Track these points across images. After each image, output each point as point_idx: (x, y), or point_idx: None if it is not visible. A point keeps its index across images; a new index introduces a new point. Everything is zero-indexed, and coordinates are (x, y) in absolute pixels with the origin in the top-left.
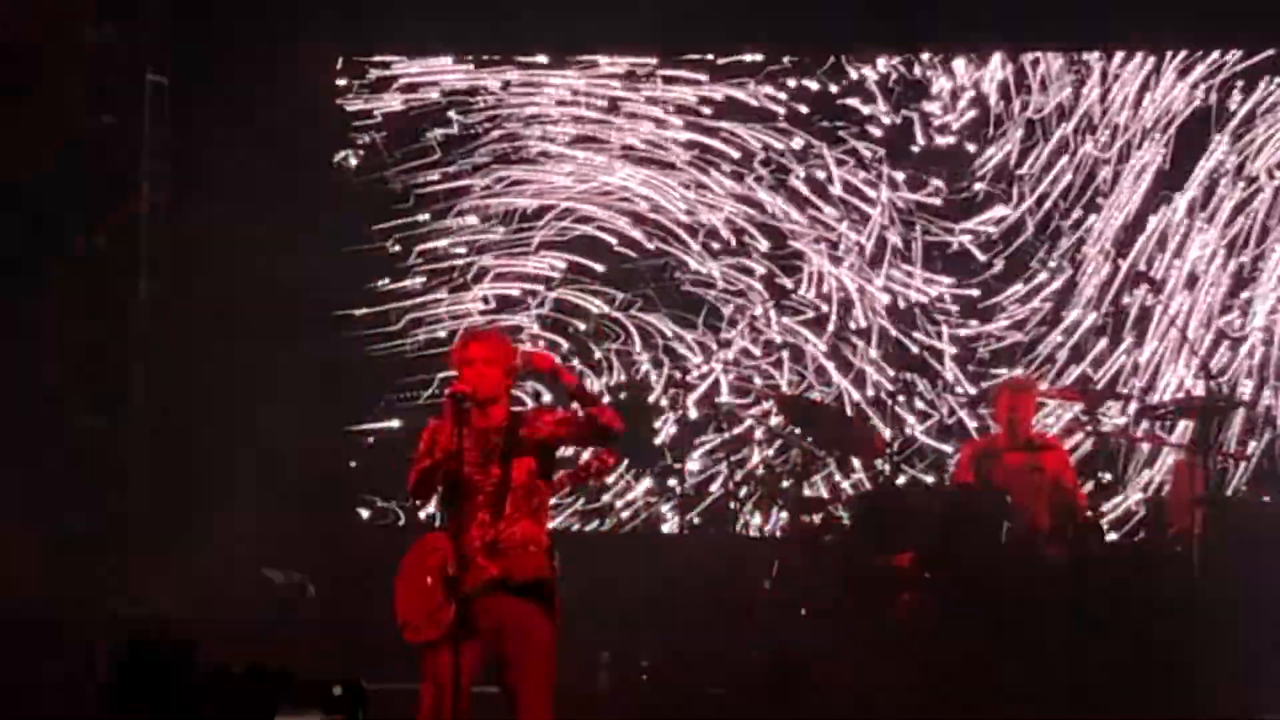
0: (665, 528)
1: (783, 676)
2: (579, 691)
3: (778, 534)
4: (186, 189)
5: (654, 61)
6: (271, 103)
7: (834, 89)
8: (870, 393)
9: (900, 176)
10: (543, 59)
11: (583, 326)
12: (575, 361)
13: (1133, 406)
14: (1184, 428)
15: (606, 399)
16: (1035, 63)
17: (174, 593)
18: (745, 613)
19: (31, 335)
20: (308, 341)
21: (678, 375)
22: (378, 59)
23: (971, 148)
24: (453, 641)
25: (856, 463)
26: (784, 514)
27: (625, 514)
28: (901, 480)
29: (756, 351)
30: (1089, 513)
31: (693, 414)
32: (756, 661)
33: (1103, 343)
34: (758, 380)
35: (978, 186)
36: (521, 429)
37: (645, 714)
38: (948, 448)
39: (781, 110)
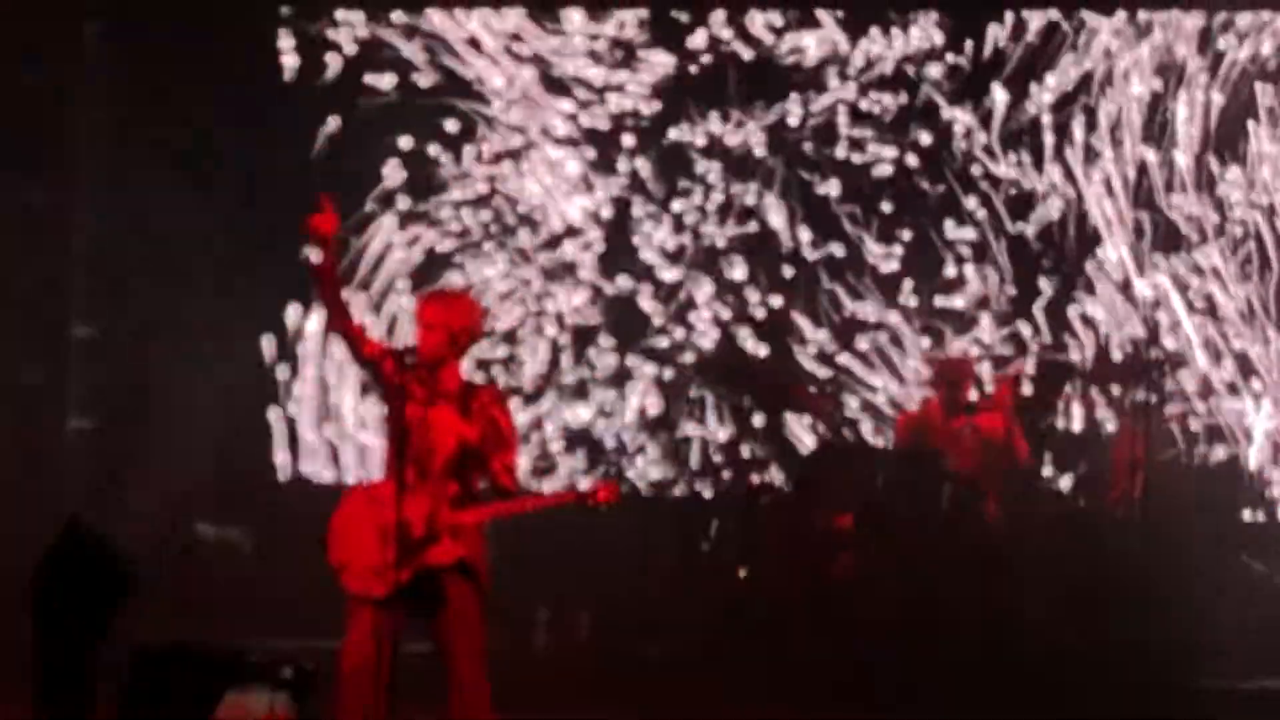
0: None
1: (721, 637)
2: (516, 651)
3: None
4: (127, 140)
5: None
6: (216, 52)
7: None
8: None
9: None
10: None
11: None
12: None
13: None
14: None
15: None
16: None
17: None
18: (684, 574)
19: None
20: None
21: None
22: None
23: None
24: (393, 603)
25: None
26: (723, 474)
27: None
28: (842, 441)
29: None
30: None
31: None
32: (695, 623)
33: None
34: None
35: None
36: (473, 401)
37: (583, 674)
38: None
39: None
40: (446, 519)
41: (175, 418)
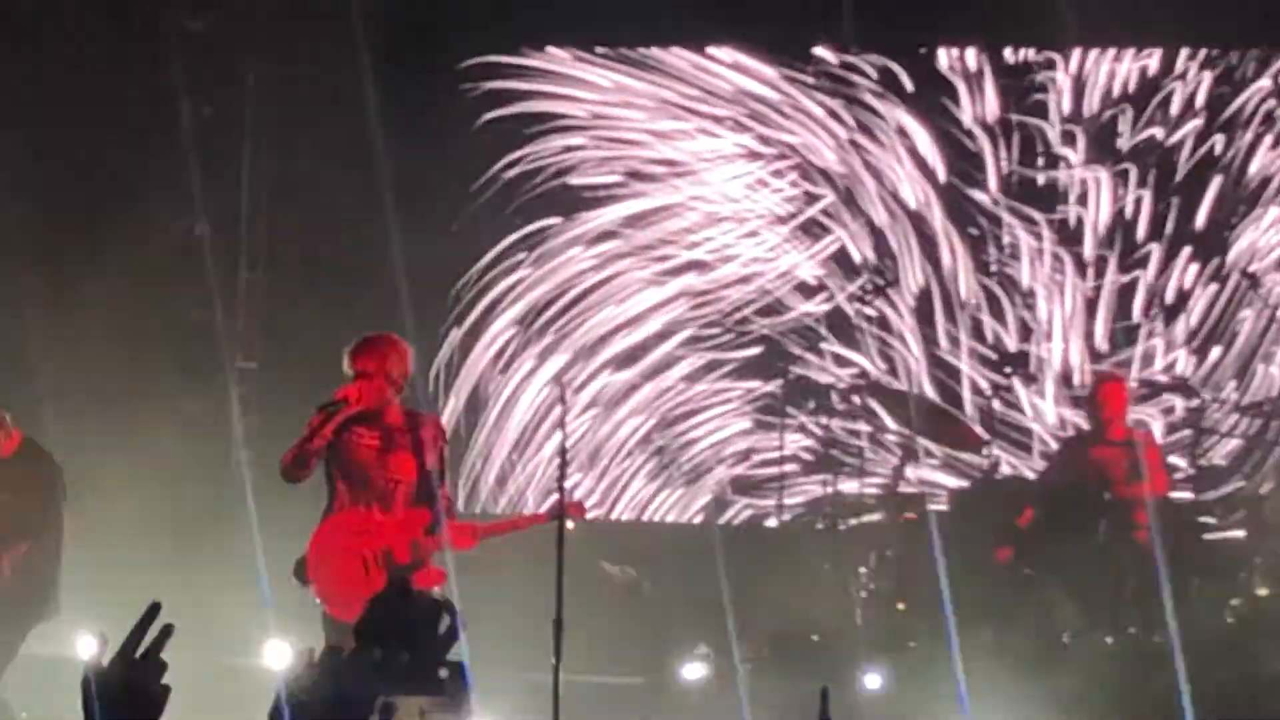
0: (769, 521)
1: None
2: (679, 684)
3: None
4: (287, 183)
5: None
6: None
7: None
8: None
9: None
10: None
11: None
12: None
13: (1231, 403)
14: None
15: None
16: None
17: None
18: (844, 606)
19: (135, 321)
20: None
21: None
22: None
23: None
24: None
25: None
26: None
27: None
28: (1001, 474)
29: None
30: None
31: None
32: (853, 654)
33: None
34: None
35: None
36: (423, 430)
37: (745, 706)
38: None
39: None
40: (428, 546)
41: None
